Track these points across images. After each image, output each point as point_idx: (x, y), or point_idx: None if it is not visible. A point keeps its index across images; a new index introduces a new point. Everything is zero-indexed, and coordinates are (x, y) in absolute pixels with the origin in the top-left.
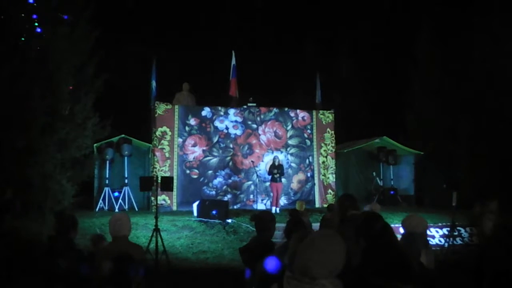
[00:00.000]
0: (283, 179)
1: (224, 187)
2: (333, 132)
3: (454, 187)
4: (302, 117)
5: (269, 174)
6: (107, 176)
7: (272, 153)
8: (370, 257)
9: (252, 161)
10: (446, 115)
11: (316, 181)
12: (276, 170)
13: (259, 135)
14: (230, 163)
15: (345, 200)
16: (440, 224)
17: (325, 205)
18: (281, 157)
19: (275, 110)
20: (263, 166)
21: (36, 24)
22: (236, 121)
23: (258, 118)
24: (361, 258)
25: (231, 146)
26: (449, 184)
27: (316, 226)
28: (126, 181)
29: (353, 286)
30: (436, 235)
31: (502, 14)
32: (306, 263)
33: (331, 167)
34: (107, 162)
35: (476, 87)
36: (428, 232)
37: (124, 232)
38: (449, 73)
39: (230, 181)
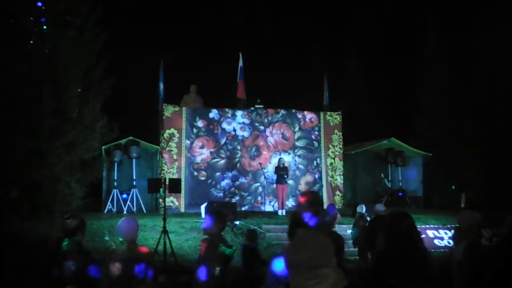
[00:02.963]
0: (290, 181)
1: (232, 188)
2: (340, 133)
3: (463, 188)
4: (310, 119)
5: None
6: (115, 178)
7: (280, 154)
8: (388, 257)
9: (259, 163)
10: (455, 116)
11: (324, 182)
12: (281, 171)
13: (267, 136)
14: (238, 165)
15: (316, 197)
16: (448, 225)
17: None
18: (289, 158)
19: (282, 111)
20: (271, 167)
21: (45, 27)
22: (243, 123)
23: (266, 120)
24: (379, 257)
25: (238, 148)
26: (458, 186)
27: None
28: (134, 183)
29: (370, 285)
30: (444, 236)
31: (510, 14)
32: (298, 256)
33: (339, 169)
34: (115, 164)
35: (485, 87)
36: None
37: (133, 235)
38: (457, 73)
39: (237, 183)
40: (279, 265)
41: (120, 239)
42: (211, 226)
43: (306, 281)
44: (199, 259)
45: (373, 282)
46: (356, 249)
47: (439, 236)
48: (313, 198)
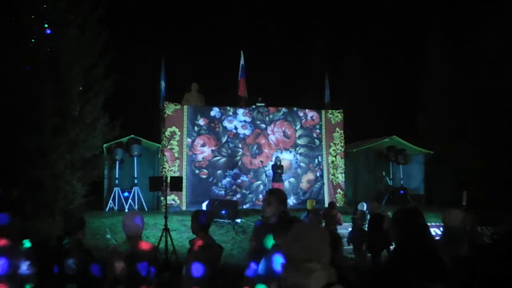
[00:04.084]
0: (292, 179)
1: (233, 187)
2: (342, 131)
3: (464, 186)
4: (311, 117)
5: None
6: (116, 176)
7: (281, 153)
8: (402, 253)
9: (261, 161)
10: (457, 114)
11: (325, 181)
12: (277, 170)
13: (268, 135)
14: (239, 163)
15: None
16: None
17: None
18: (290, 157)
19: (284, 109)
20: None
21: (46, 25)
22: (245, 121)
23: (267, 118)
24: (394, 253)
25: (240, 146)
26: (459, 184)
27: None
28: (135, 181)
29: (383, 281)
30: None
31: None
32: (291, 250)
33: (340, 167)
34: (117, 162)
35: (487, 86)
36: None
37: (138, 231)
38: (459, 72)
39: (239, 181)
40: (277, 261)
41: (125, 235)
42: (201, 225)
43: (290, 274)
44: (192, 257)
45: (390, 279)
46: (351, 246)
47: (440, 234)
48: (281, 196)
